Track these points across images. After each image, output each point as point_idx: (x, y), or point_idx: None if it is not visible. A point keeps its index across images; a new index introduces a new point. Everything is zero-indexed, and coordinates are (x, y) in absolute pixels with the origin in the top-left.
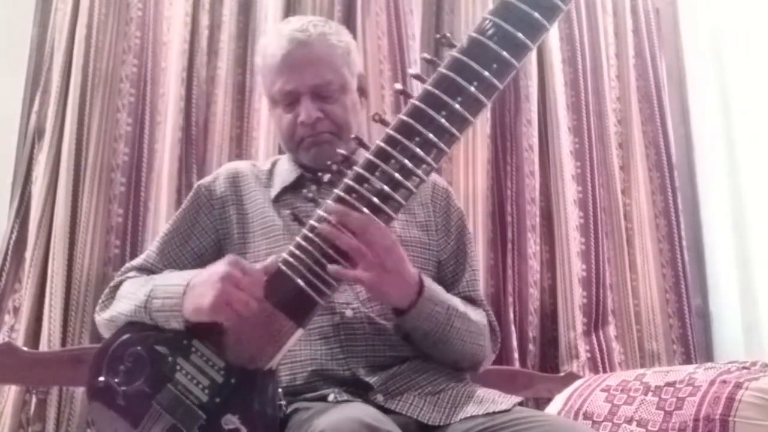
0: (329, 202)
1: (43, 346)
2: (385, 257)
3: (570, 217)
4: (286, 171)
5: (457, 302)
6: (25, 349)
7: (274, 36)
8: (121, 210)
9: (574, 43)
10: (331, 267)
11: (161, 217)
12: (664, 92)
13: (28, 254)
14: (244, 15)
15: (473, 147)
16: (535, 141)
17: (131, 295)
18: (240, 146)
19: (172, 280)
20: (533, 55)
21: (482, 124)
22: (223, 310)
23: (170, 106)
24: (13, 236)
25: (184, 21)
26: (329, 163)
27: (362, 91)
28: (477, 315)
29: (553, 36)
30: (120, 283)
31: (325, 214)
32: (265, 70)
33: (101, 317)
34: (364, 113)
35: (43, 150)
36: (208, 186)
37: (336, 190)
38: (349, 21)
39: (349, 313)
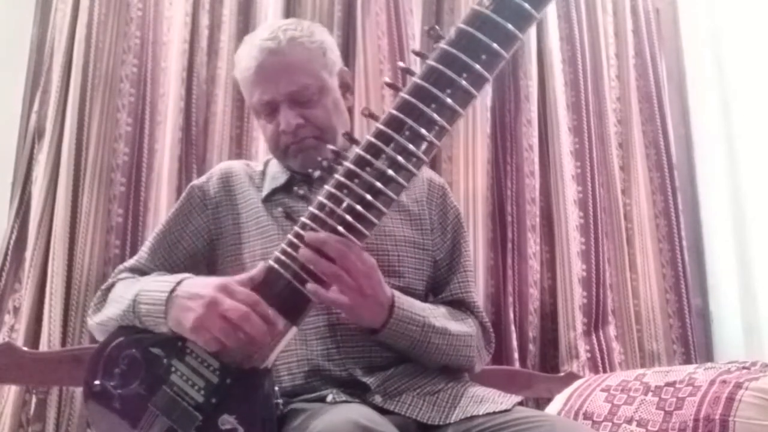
0: (309, 233)
1: (43, 346)
2: (363, 282)
3: (570, 217)
4: (276, 173)
5: (436, 318)
6: (25, 349)
7: (246, 48)
8: (121, 210)
9: (574, 43)
10: (310, 286)
11: (161, 217)
12: (664, 92)
13: (28, 254)
14: (244, 15)
15: (473, 147)
16: (535, 141)
17: (120, 298)
18: (240, 146)
19: (156, 286)
20: (533, 55)
21: (482, 124)
22: (203, 335)
23: (170, 106)
24: (13, 236)
25: (184, 21)
26: (320, 159)
27: (346, 87)
28: (461, 326)
29: (553, 36)
30: (112, 285)
31: (299, 242)
32: (242, 82)
33: (93, 321)
34: (354, 107)
35: (43, 150)
36: (201, 186)
37: (327, 186)
38: (349, 21)
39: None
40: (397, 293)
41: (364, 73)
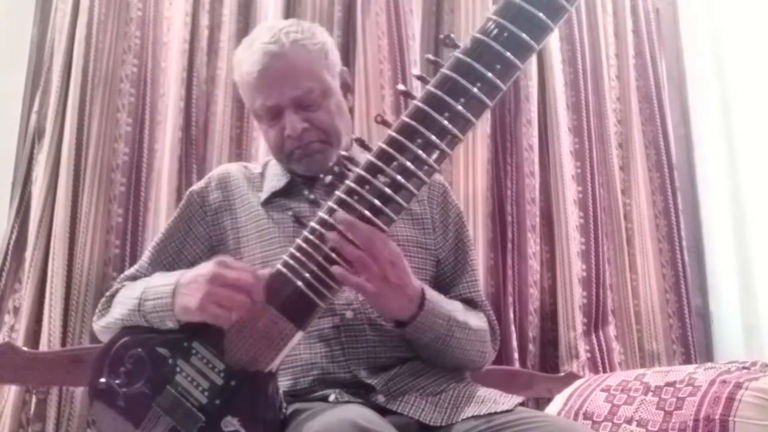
0: (338, 210)
1: (43, 346)
2: (389, 270)
3: (570, 217)
4: (276, 176)
5: (458, 312)
6: (25, 349)
7: (246, 51)
8: (121, 210)
9: (574, 43)
10: (335, 268)
11: (161, 217)
12: (664, 92)
13: (28, 254)
14: (244, 15)
15: (473, 147)
16: (535, 141)
17: (125, 299)
18: (240, 146)
19: (162, 280)
20: (533, 56)
21: (482, 124)
22: (211, 310)
23: (170, 106)
24: (13, 236)
25: (184, 21)
26: (331, 164)
27: (347, 88)
28: (478, 321)
29: (553, 36)
30: (116, 291)
31: (332, 221)
32: (243, 86)
33: (98, 325)
34: (354, 107)
35: (43, 150)
36: (200, 192)
37: (337, 192)
38: (349, 21)
39: (349, 314)
40: (426, 287)
41: (364, 73)
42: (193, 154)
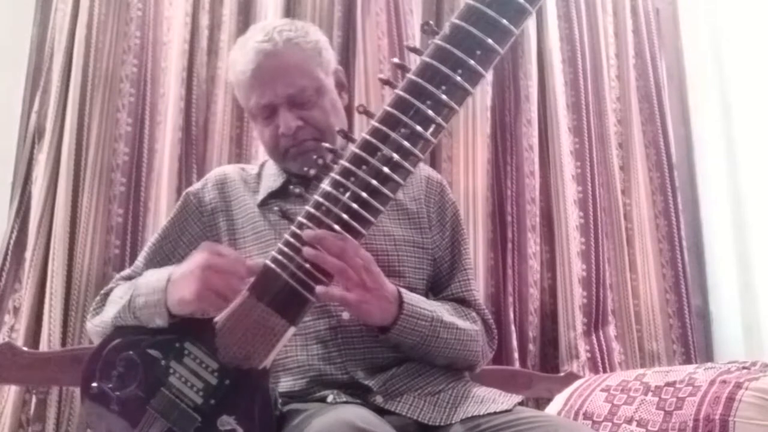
0: (307, 231)
1: (43, 346)
2: (365, 276)
3: (570, 217)
4: (272, 176)
5: (442, 312)
6: (25, 349)
7: (240, 50)
8: (121, 210)
9: (574, 43)
10: (318, 289)
11: (161, 217)
12: (664, 92)
13: (28, 254)
14: (244, 15)
15: (473, 147)
16: (535, 141)
17: (118, 299)
18: (240, 146)
19: (154, 276)
20: (533, 55)
21: (482, 123)
22: (208, 298)
23: (170, 106)
24: (13, 236)
25: (184, 21)
26: (315, 157)
27: (341, 86)
28: (467, 321)
29: (553, 36)
30: (110, 290)
31: (307, 229)
32: (238, 85)
33: (91, 324)
34: (352, 106)
35: (43, 150)
36: (196, 194)
37: (323, 185)
38: (349, 21)
39: (345, 315)
40: (402, 289)
41: (364, 73)
42: (193, 154)
